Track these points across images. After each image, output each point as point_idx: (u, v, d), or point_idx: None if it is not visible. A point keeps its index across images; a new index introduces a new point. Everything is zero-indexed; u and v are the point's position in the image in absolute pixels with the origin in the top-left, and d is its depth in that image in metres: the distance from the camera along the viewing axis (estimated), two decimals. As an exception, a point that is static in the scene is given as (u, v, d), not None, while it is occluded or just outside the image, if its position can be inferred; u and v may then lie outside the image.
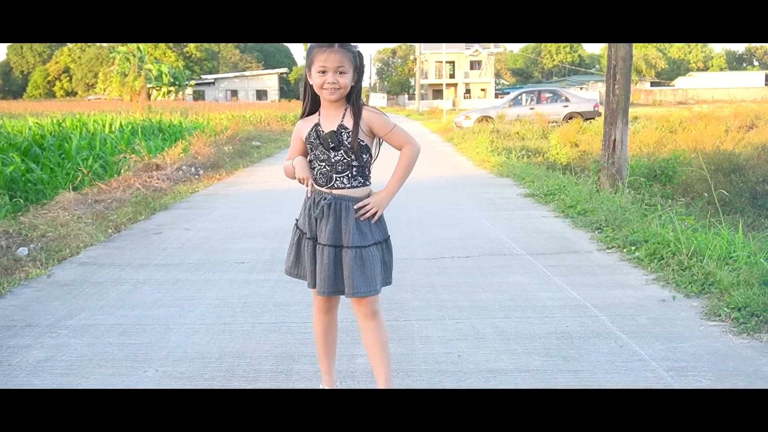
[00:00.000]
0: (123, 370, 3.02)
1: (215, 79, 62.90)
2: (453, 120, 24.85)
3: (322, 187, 2.46)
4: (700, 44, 73.62)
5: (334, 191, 2.44)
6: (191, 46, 71.72)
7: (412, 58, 68.77)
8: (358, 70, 2.43)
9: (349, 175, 2.43)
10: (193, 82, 52.20)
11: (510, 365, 2.99)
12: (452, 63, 58.41)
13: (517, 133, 17.27)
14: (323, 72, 2.36)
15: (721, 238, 4.69)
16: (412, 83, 69.51)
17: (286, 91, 66.95)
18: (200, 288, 4.31)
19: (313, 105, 2.50)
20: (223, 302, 4.00)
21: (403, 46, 73.44)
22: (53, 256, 5.03)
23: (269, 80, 63.05)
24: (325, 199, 2.43)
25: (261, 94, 60.99)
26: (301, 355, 3.16)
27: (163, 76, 34.62)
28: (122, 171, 9.96)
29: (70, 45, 79.27)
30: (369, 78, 73.53)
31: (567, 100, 22.60)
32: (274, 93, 61.45)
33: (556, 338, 3.31)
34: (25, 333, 3.50)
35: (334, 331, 2.67)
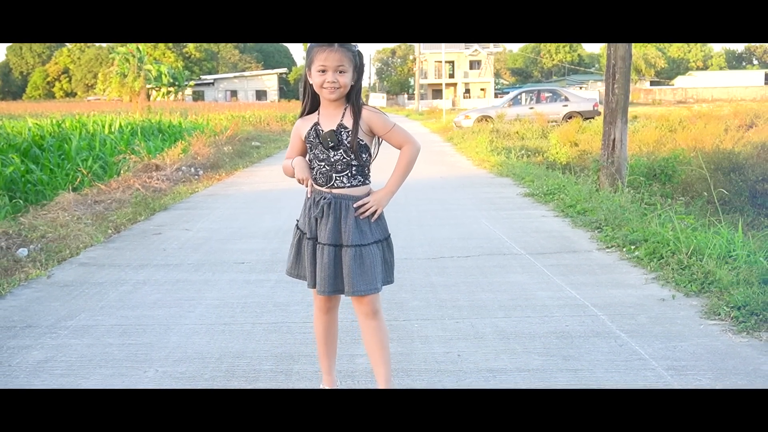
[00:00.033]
0: (123, 371, 3.02)
1: (215, 79, 62.90)
2: (452, 120, 24.85)
3: (321, 186, 2.46)
4: (699, 43, 73.62)
5: (334, 190, 2.44)
6: (190, 47, 71.72)
7: (411, 57, 68.79)
8: (358, 70, 2.43)
9: (349, 174, 2.44)
10: (192, 83, 52.19)
11: (510, 364, 3.00)
12: (452, 63, 58.42)
13: (517, 132, 17.28)
14: (323, 71, 2.37)
15: (721, 237, 4.69)
16: (412, 83, 69.51)
17: (286, 91, 66.93)
18: (200, 288, 4.32)
19: (312, 104, 2.51)
20: (223, 302, 4.00)
21: (403, 45, 73.43)
22: (53, 257, 5.03)
23: (269, 80, 63.04)
24: (324, 198, 2.43)
25: (260, 95, 60.99)
26: (301, 355, 3.16)
27: (163, 76, 34.62)
28: (122, 172, 9.97)
29: (69, 46, 79.28)
30: (368, 78, 73.53)
31: (566, 99, 22.60)
32: (273, 93, 61.44)
33: (555, 337, 3.31)
34: (25, 334, 3.51)
35: (335, 331, 2.67)
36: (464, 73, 59.12)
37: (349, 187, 2.44)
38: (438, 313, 3.73)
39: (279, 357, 3.14)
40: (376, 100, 59.26)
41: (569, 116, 21.06)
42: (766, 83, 58.31)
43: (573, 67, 71.50)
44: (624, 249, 4.99)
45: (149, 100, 33.17)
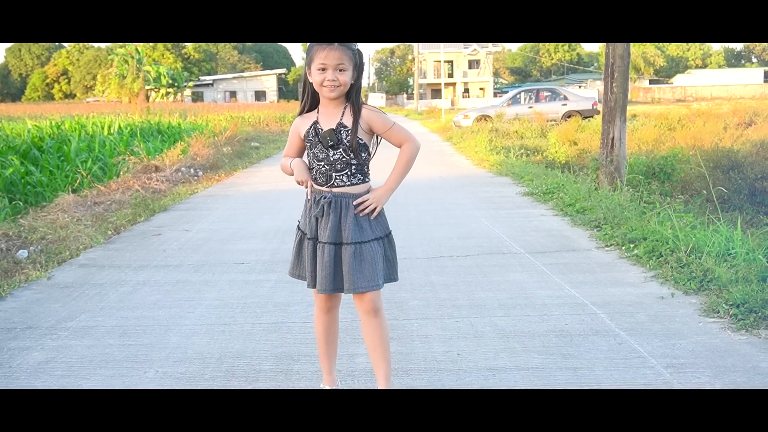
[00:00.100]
0: (123, 371, 3.02)
1: (214, 80, 62.88)
2: (452, 119, 24.85)
3: (321, 186, 2.47)
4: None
5: (334, 189, 2.45)
6: (189, 48, 71.74)
7: (410, 57, 68.73)
8: (358, 68, 2.44)
9: (349, 173, 2.44)
10: (191, 84, 52.23)
11: (509, 363, 3.00)
12: (450, 62, 58.44)
13: (516, 131, 17.28)
14: (323, 69, 2.37)
15: (720, 235, 4.69)
16: (411, 83, 69.49)
17: (285, 91, 66.91)
18: (200, 289, 4.32)
19: (312, 103, 2.51)
20: (223, 303, 4.01)
21: (402, 45, 73.41)
22: (53, 259, 5.03)
23: (268, 81, 63.03)
24: (325, 197, 2.44)
25: (260, 95, 60.98)
26: (300, 354, 3.16)
27: (162, 77, 34.64)
28: (121, 173, 9.98)
29: (68, 47, 79.28)
30: (367, 78, 73.52)
31: (565, 98, 22.60)
32: (272, 94, 61.43)
33: (555, 336, 3.31)
34: (25, 335, 3.51)
35: (335, 331, 2.67)
36: (463, 72, 59.13)
37: (349, 185, 2.45)
38: (437, 312, 3.74)
39: (279, 357, 3.14)
40: (376, 100, 59.24)
41: (568, 115, 21.07)
42: (765, 81, 58.30)
43: (572, 66, 71.50)
44: (623, 247, 4.99)
45: (148, 101, 33.20)
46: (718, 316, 3.52)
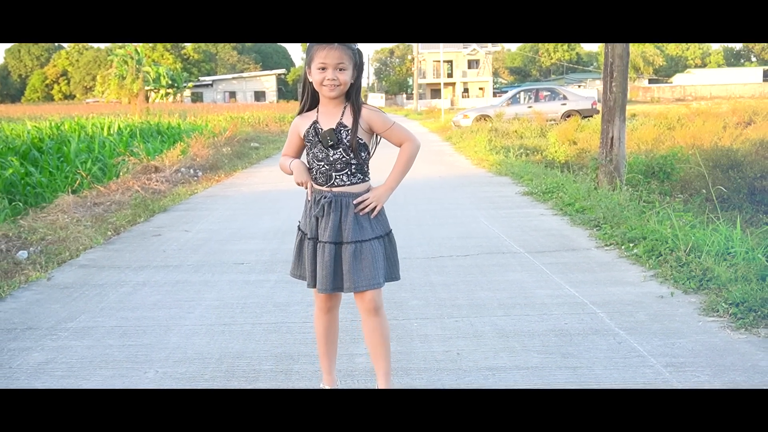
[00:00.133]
0: (123, 372, 3.03)
1: (213, 80, 62.87)
2: (451, 119, 24.85)
3: (322, 186, 2.47)
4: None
5: (334, 189, 2.45)
6: (189, 48, 71.75)
7: (409, 57, 68.74)
8: (358, 68, 2.44)
9: (348, 172, 2.45)
10: (191, 84, 52.23)
11: (509, 363, 3.01)
12: (450, 62, 58.44)
13: (516, 131, 17.29)
14: (323, 69, 2.38)
15: (719, 234, 4.70)
16: (410, 83, 69.50)
17: (284, 92, 66.91)
18: (200, 289, 4.32)
19: (312, 102, 2.52)
20: (223, 303, 4.01)
21: (401, 45, 73.42)
22: (53, 259, 5.04)
23: (267, 81, 63.02)
24: (325, 197, 2.44)
25: (259, 96, 60.97)
26: (300, 354, 3.17)
27: (161, 78, 34.66)
28: (121, 173, 9.98)
29: (67, 48, 79.28)
30: (367, 78, 73.49)
31: (565, 98, 22.60)
32: (272, 94, 61.42)
33: (554, 335, 3.32)
34: (25, 336, 3.52)
35: (335, 331, 2.68)
36: (462, 72, 59.13)
37: (349, 185, 2.45)
38: (437, 312, 3.74)
39: (279, 357, 3.15)
40: (375, 100, 59.21)
41: (568, 115, 21.08)
42: (764, 80, 58.30)
43: (571, 65, 71.52)
44: (622, 247, 5.00)
45: (148, 101, 33.21)
46: (717, 315, 3.52)
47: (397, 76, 76.64)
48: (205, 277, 4.61)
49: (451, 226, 6.20)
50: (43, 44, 78.94)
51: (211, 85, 61.82)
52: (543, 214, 6.68)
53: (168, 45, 67.85)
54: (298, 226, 2.58)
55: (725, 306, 3.56)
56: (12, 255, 5.10)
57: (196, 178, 10.37)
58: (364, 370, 2.95)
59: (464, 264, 4.77)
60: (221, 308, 3.91)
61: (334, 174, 2.44)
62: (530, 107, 21.65)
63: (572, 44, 73.98)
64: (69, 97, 75.78)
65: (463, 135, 17.73)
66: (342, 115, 2.44)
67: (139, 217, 6.90)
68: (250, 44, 75.41)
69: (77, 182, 8.72)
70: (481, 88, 58.68)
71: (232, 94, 60.55)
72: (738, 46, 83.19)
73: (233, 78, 63.68)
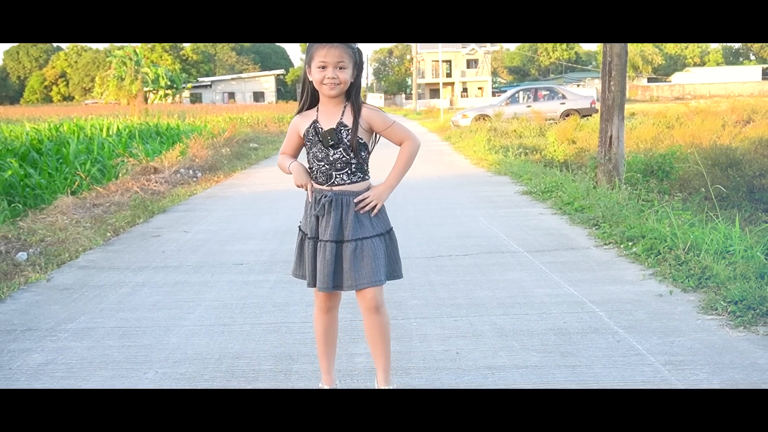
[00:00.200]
0: (123, 372, 3.03)
1: (212, 81, 62.84)
2: (450, 119, 24.86)
3: (322, 185, 2.47)
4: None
5: (335, 188, 2.46)
6: (188, 49, 71.73)
7: (408, 57, 68.71)
8: (358, 66, 2.45)
9: (348, 171, 2.46)
10: (190, 85, 52.23)
11: (508, 362, 3.01)
12: (449, 62, 58.43)
13: (515, 131, 17.29)
14: (323, 67, 2.38)
15: (718, 233, 4.70)
16: (409, 83, 69.47)
17: (283, 92, 66.91)
18: (199, 290, 4.33)
19: (311, 102, 2.52)
20: (222, 303, 4.01)
21: (400, 45, 73.39)
22: (52, 261, 5.04)
23: (266, 82, 63.00)
24: (325, 196, 2.45)
25: (258, 96, 60.95)
26: (300, 354, 3.17)
27: (160, 79, 34.66)
28: (120, 175, 9.98)
29: (66, 50, 79.26)
30: (366, 78, 73.46)
31: (564, 97, 22.61)
32: (271, 94, 61.40)
33: (553, 334, 3.32)
34: (25, 337, 3.52)
35: (335, 331, 2.68)
36: (461, 72, 59.13)
37: (349, 183, 2.46)
38: (436, 311, 3.75)
39: (278, 357, 3.15)
40: (374, 100, 59.16)
41: (567, 114, 21.09)
42: (763, 78, 58.31)
43: (570, 64, 71.52)
44: (621, 245, 5.00)
45: (147, 102, 33.21)
46: (716, 313, 3.53)
47: (396, 76, 76.61)
48: (204, 278, 4.61)
49: (450, 225, 6.20)
50: (41, 46, 78.99)
51: (210, 85, 61.80)
52: (542, 213, 6.68)
53: (167, 46, 67.87)
54: (299, 226, 2.59)
55: (724, 304, 3.56)
56: (11, 256, 5.10)
57: (195, 179, 10.37)
58: (363, 370, 2.95)
59: (463, 263, 4.77)
60: (221, 309, 3.92)
61: (334, 173, 2.45)
62: (529, 107, 21.65)
63: (571, 44, 74.00)
64: (68, 98, 75.77)
65: (462, 135, 17.74)
66: (342, 115, 2.45)
67: (139, 218, 6.90)
68: (248, 45, 75.45)
69: (76, 183, 8.73)
70: (480, 88, 58.68)
71: (231, 95, 60.54)
72: (737, 44, 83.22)
73: (232, 79, 63.66)
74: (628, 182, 7.72)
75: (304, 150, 2.58)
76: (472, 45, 56.95)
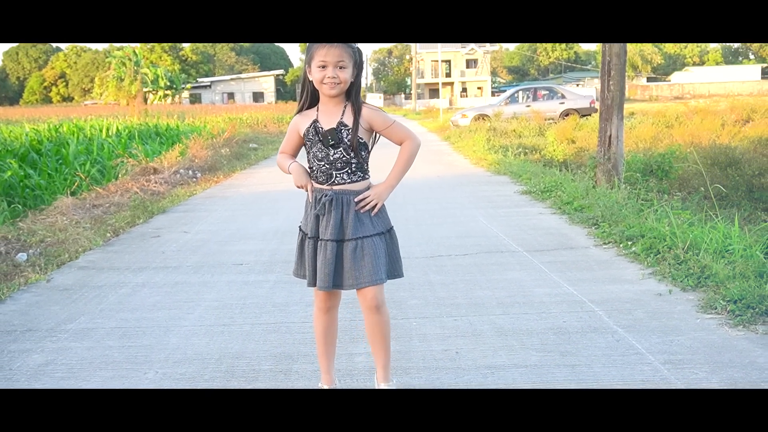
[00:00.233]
0: (123, 373, 3.03)
1: (211, 81, 62.86)
2: (449, 119, 24.87)
3: (322, 184, 2.48)
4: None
5: (335, 187, 2.46)
6: (187, 50, 71.72)
7: (408, 57, 68.70)
8: (358, 66, 2.45)
9: (349, 171, 2.46)
10: (189, 86, 52.27)
11: (507, 361, 3.01)
12: (448, 62, 58.43)
13: (514, 130, 17.30)
14: (323, 67, 2.39)
15: (717, 232, 4.71)
16: (409, 83, 69.46)
17: (283, 92, 66.89)
18: (199, 290, 4.33)
19: (311, 102, 2.53)
20: (222, 304, 4.02)
21: (399, 45, 73.38)
22: (52, 261, 5.04)
23: (266, 82, 63.02)
24: (326, 195, 2.46)
25: (257, 96, 60.96)
26: (300, 354, 3.17)
27: (160, 79, 34.69)
28: (120, 175, 9.98)
29: (65, 50, 79.25)
30: (365, 78, 73.36)
31: (563, 97, 22.62)
32: (270, 95, 61.42)
33: (553, 333, 3.33)
34: (25, 337, 3.52)
35: (334, 331, 2.69)
36: (461, 72, 59.13)
37: (349, 183, 2.46)
38: (436, 311, 3.75)
39: (278, 357, 3.15)
40: (374, 100, 59.07)
41: (566, 113, 21.10)
42: (762, 78, 58.32)
43: (569, 64, 71.53)
44: (621, 245, 5.01)
45: (146, 103, 33.23)
46: (715, 312, 3.53)
47: (396, 76, 76.58)
48: (204, 278, 4.62)
49: (450, 225, 6.21)
50: (40, 47, 78.99)
51: (210, 86, 61.81)
52: (541, 212, 6.68)
53: (166, 46, 67.86)
54: (299, 227, 2.60)
55: (723, 303, 3.57)
56: (11, 257, 5.10)
57: (194, 179, 10.37)
58: (363, 370, 2.96)
59: (463, 263, 4.78)
60: (220, 309, 3.92)
61: (334, 172, 2.45)
62: (528, 106, 21.66)
63: (570, 43, 73.99)
64: (67, 99, 75.75)
65: (461, 134, 17.74)
66: (342, 114, 2.45)
67: (138, 219, 6.91)
68: (248, 45, 75.45)
69: (76, 184, 8.73)
70: (479, 88, 58.69)
71: (231, 95, 60.55)
72: (736, 44, 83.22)
73: (231, 79, 63.67)
74: (627, 181, 7.72)
75: (303, 150, 2.59)
76: (472, 45, 56.94)
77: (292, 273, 2.67)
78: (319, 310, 2.62)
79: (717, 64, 74.27)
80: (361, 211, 2.45)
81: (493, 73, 67.02)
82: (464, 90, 58.72)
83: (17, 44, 79.92)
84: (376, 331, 2.54)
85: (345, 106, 2.46)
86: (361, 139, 2.45)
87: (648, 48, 61.69)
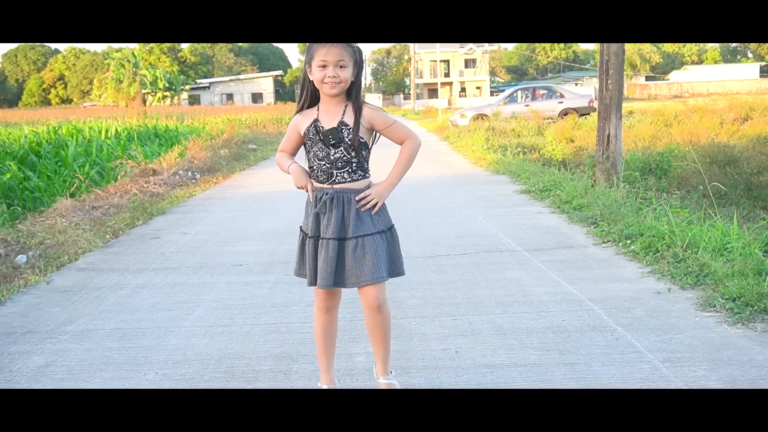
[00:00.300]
0: (123, 374, 3.04)
1: (210, 83, 62.87)
2: (448, 119, 24.88)
3: (323, 183, 2.49)
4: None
5: (335, 186, 2.47)
6: (185, 51, 71.74)
7: (406, 57, 68.78)
8: (358, 65, 2.46)
9: (349, 170, 2.47)
10: (188, 87, 52.29)
11: (507, 360, 3.02)
12: (447, 62, 58.44)
13: (513, 130, 17.31)
14: (324, 66, 2.39)
15: (716, 230, 4.72)
16: (407, 83, 69.52)
17: (282, 93, 66.91)
18: (199, 291, 4.33)
19: (311, 101, 2.53)
20: (222, 304, 4.02)
21: (398, 46, 73.44)
22: (52, 263, 5.04)
23: (264, 83, 63.05)
24: (327, 194, 2.46)
25: (256, 97, 60.97)
26: (299, 354, 3.18)
27: (158, 81, 34.71)
28: (119, 177, 9.98)
29: (64, 52, 79.22)
30: (364, 78, 73.34)
31: (562, 96, 22.63)
32: (269, 96, 61.44)
33: (552, 332, 3.33)
34: (25, 339, 3.52)
35: (334, 331, 2.69)
36: (459, 71, 59.15)
37: (350, 181, 2.47)
38: (435, 310, 3.76)
39: (278, 357, 3.16)
40: (373, 100, 58.53)
41: (565, 113, 21.11)
42: (761, 76, 58.35)
43: (568, 63, 71.55)
44: (620, 243, 5.01)
45: (145, 104, 33.24)
46: (714, 310, 3.54)
47: (394, 77, 76.62)
48: (203, 279, 4.62)
49: (449, 225, 6.21)
50: (39, 49, 78.96)
51: (208, 87, 61.82)
52: (540, 212, 6.69)
53: (165, 48, 67.88)
54: (300, 227, 2.60)
55: (722, 301, 3.57)
56: (11, 259, 5.11)
57: (194, 180, 10.38)
58: (362, 370, 2.96)
59: (462, 263, 4.78)
60: (220, 309, 3.92)
61: (335, 172, 2.46)
62: (527, 106, 21.69)
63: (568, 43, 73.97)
64: (66, 101, 75.76)
65: (460, 134, 17.75)
66: (343, 114, 2.46)
67: (138, 220, 6.91)
68: (246, 46, 75.46)
69: (75, 186, 8.73)
70: (478, 87, 58.70)
71: (230, 96, 60.56)
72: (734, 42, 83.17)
73: (230, 80, 63.68)
74: (626, 180, 7.74)
75: (301, 149, 2.59)
76: (470, 45, 56.95)
77: (293, 273, 2.68)
78: (319, 309, 2.63)
79: (715, 62, 74.30)
80: (362, 209, 2.46)
81: (492, 73, 67.06)
82: (463, 90, 58.74)
83: (16, 46, 79.91)
84: (377, 329, 2.55)
85: (346, 106, 2.47)
86: (362, 138, 2.46)
87: (646, 47, 61.66)
